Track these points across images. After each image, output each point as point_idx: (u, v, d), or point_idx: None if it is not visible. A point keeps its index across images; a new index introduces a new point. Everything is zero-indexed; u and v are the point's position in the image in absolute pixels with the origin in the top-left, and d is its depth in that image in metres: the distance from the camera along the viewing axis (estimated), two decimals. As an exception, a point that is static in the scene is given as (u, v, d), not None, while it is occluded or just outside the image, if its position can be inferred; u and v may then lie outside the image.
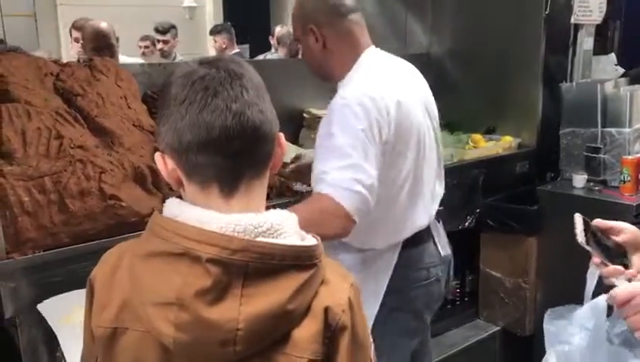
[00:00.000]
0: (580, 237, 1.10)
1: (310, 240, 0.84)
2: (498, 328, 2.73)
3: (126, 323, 0.82)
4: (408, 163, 1.52)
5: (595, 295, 1.14)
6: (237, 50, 4.76)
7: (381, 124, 1.43)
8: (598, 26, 2.92)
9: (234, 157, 0.80)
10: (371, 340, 0.90)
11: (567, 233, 1.54)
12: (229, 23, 5.01)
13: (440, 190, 1.70)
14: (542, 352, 2.46)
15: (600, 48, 3.10)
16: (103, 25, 2.88)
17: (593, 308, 1.09)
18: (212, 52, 4.97)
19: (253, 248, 0.76)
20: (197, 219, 0.79)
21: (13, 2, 5.19)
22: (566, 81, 2.73)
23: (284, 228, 0.81)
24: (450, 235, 2.49)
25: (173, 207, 0.83)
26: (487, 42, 2.97)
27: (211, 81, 0.79)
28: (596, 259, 1.11)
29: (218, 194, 0.82)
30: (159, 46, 4.53)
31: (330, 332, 0.81)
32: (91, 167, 1.53)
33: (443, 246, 1.69)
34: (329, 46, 1.55)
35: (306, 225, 0.88)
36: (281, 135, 0.88)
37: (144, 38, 4.70)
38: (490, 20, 2.95)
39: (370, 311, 1.52)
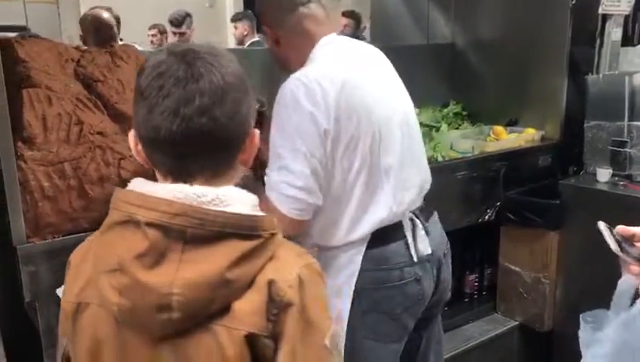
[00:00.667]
0: (614, 245, 1.04)
1: (260, 213, 0.83)
2: (516, 323, 2.69)
3: (88, 298, 0.84)
4: (360, 151, 1.41)
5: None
6: (256, 39, 4.75)
7: (320, 107, 1.35)
8: (626, 17, 2.84)
9: (182, 159, 0.81)
10: (331, 326, 0.85)
11: (589, 228, 1.51)
12: (249, 11, 4.99)
13: (417, 180, 1.55)
14: (562, 348, 2.44)
15: (627, 39, 3.02)
16: (105, 15, 2.69)
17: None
18: (232, 39, 4.96)
19: (193, 213, 0.76)
20: (145, 189, 0.81)
21: (36, -11, 5.23)
22: (592, 73, 2.67)
23: (230, 199, 0.80)
24: (469, 228, 2.49)
25: (133, 183, 0.85)
26: (512, 32, 2.92)
27: (167, 80, 0.78)
28: (634, 268, 1.04)
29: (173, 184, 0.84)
30: (176, 38, 4.53)
31: (276, 308, 0.79)
32: (110, 154, 1.53)
33: (422, 245, 1.54)
34: (282, 42, 1.53)
35: None
36: (256, 132, 0.87)
37: (152, 27, 4.70)
38: (515, 10, 2.89)
39: (342, 313, 1.48)
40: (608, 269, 1.14)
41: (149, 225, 0.76)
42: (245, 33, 4.71)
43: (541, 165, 2.72)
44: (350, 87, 1.39)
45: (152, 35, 4.59)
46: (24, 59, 1.57)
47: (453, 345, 2.51)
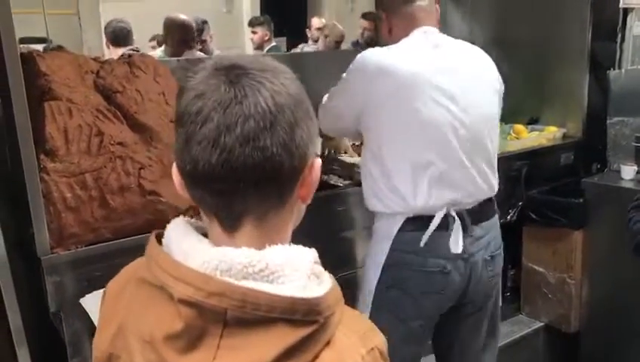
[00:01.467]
0: None
1: (315, 289, 0.67)
2: (542, 324, 2.66)
3: (118, 350, 0.74)
4: (407, 138, 1.59)
5: None
6: (274, 44, 4.76)
7: (384, 84, 1.56)
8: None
9: (225, 196, 0.68)
10: None
11: (614, 226, 1.49)
12: (267, 16, 5.01)
13: (467, 186, 1.63)
14: (589, 349, 2.40)
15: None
16: (184, 17, 3.22)
17: None
18: (249, 44, 4.96)
19: (232, 293, 0.63)
20: (183, 250, 0.69)
21: (57, 1, 5.33)
22: (614, 68, 2.62)
23: (286, 270, 0.66)
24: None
25: (171, 230, 0.73)
26: (531, 28, 2.88)
27: (207, 102, 0.65)
28: None
29: (220, 228, 0.71)
30: (197, 47, 4.56)
31: None
32: (131, 163, 1.55)
33: (454, 243, 1.61)
34: (394, 30, 1.69)
35: None
36: (317, 161, 0.73)
37: (152, 39, 4.71)
38: (534, 6, 2.85)
39: (371, 282, 1.68)
40: (635, 268, 1.12)
41: (183, 302, 0.64)
42: (266, 38, 4.71)
43: (563, 163, 2.68)
44: (411, 83, 1.56)
45: (152, 48, 4.58)
46: (45, 72, 1.60)
47: (478, 347, 2.48)
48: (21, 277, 1.51)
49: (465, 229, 1.62)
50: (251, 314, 0.63)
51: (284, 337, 0.63)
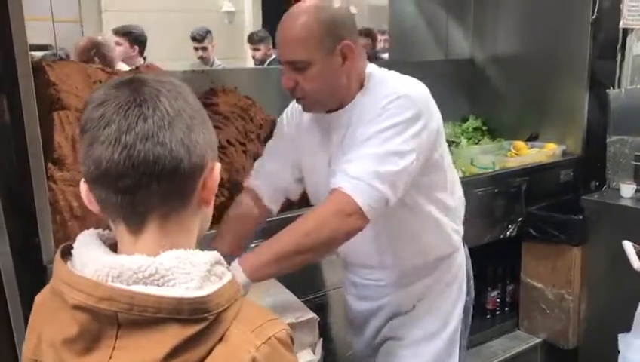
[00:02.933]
0: (637, 263, 1.06)
1: (210, 288, 0.70)
2: (540, 339, 2.66)
3: (39, 357, 0.77)
4: (447, 155, 1.51)
5: None
6: (274, 57, 4.80)
7: (435, 119, 1.39)
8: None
9: (129, 194, 0.70)
10: None
11: (613, 244, 1.50)
12: (265, 31, 5.04)
13: None
14: (587, 366, 2.36)
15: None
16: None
17: None
18: (250, 57, 4.99)
19: (120, 297, 0.67)
20: (81, 260, 0.73)
21: (60, 8, 5.36)
22: (614, 87, 2.65)
23: (175, 273, 0.69)
24: (491, 244, 2.48)
25: (77, 241, 0.76)
26: (531, 47, 2.91)
27: (108, 108, 0.70)
28: None
29: (126, 231, 0.74)
30: (198, 53, 4.58)
31: None
32: (138, 174, 1.56)
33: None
34: (355, 65, 1.38)
35: None
36: (217, 165, 0.77)
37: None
38: (535, 24, 2.89)
39: (457, 313, 1.57)
40: (633, 286, 1.14)
41: (76, 307, 0.69)
42: (269, 53, 4.73)
43: (563, 180, 2.70)
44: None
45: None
46: (54, 82, 1.62)
47: (477, 361, 2.49)
48: (27, 285, 1.51)
49: None
50: (140, 315, 0.67)
51: (173, 335, 0.67)
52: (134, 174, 0.69)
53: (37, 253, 1.46)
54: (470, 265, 1.66)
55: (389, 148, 1.28)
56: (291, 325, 1.33)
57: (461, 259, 1.60)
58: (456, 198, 1.55)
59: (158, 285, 0.69)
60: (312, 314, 1.39)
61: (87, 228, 1.48)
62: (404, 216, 1.42)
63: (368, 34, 4.99)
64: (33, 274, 1.52)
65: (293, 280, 1.62)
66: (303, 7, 1.37)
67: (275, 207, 1.61)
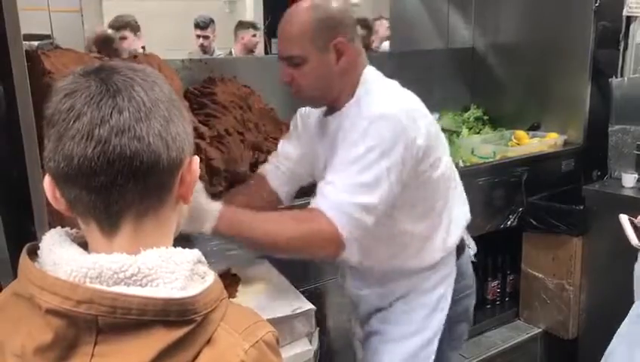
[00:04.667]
0: (634, 239, 1.05)
1: (194, 288, 0.65)
2: (540, 330, 2.66)
3: None
4: (444, 164, 1.45)
5: None
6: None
7: (421, 134, 1.33)
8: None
9: (103, 192, 0.65)
10: None
11: (614, 234, 1.49)
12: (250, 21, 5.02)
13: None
14: (587, 356, 2.41)
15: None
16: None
17: None
18: (233, 45, 4.95)
19: (101, 299, 0.61)
20: (52, 260, 0.66)
21: (60, -2, 5.32)
22: (616, 76, 2.63)
23: (159, 273, 0.65)
24: (491, 234, 2.47)
25: (44, 241, 0.70)
26: (533, 35, 2.89)
27: (78, 98, 0.64)
28: None
29: (98, 231, 0.68)
30: (200, 41, 4.56)
31: None
32: (134, 163, 1.55)
33: (472, 251, 1.66)
34: (350, 63, 1.38)
35: None
36: (195, 159, 0.72)
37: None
38: (536, 13, 2.86)
39: (436, 322, 1.52)
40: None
41: (51, 312, 0.62)
42: (253, 41, 4.69)
43: (564, 170, 2.69)
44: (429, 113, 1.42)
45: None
46: (50, 70, 1.60)
47: (477, 351, 2.49)
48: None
49: None
50: (123, 318, 0.62)
51: (159, 339, 0.63)
52: (110, 171, 0.63)
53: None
54: (469, 277, 1.62)
55: (367, 178, 1.28)
56: (289, 316, 1.33)
57: (447, 272, 1.54)
58: (449, 210, 1.49)
59: (141, 285, 0.64)
60: (309, 305, 1.39)
61: (83, 218, 1.48)
62: (381, 223, 1.36)
63: (364, 24, 4.94)
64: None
65: (293, 270, 1.62)
66: (302, 4, 1.38)
67: (284, 196, 1.65)
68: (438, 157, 1.41)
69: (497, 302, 2.77)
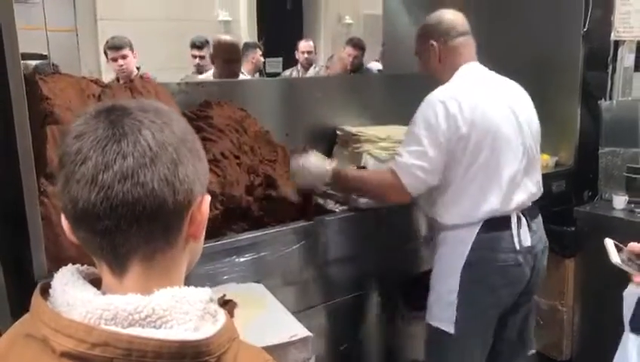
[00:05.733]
0: (615, 257, 1.07)
1: (209, 329, 0.66)
2: (533, 351, 2.66)
3: None
4: (483, 156, 1.78)
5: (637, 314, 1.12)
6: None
7: (457, 121, 1.75)
8: (638, 43, 2.85)
9: (108, 236, 0.66)
10: None
11: (606, 255, 1.51)
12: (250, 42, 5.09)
13: (530, 188, 1.91)
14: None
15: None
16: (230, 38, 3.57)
17: None
18: (243, 65, 4.99)
19: (117, 342, 0.61)
20: (66, 300, 0.66)
21: (56, 18, 5.36)
22: (605, 99, 2.67)
23: (173, 314, 0.65)
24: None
25: (56, 280, 0.70)
26: (523, 58, 2.91)
27: (85, 142, 0.64)
28: (637, 277, 1.07)
29: (109, 271, 0.69)
30: (196, 61, 4.59)
31: None
32: (130, 188, 1.56)
33: (524, 238, 1.87)
34: (442, 58, 1.93)
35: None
36: (206, 198, 0.72)
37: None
38: (526, 36, 2.90)
39: (451, 281, 1.85)
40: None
41: (66, 355, 0.62)
42: (255, 62, 4.74)
43: (555, 191, 2.71)
44: (481, 110, 1.78)
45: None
46: (47, 96, 1.61)
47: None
48: (17, 299, 1.50)
49: (528, 225, 1.88)
50: (138, 361, 0.62)
51: None
52: (113, 216, 0.64)
53: (28, 268, 1.46)
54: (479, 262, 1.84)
55: (418, 147, 1.78)
56: (286, 343, 1.34)
57: (459, 236, 1.86)
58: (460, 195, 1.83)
59: (155, 327, 0.64)
60: (306, 332, 1.40)
61: (78, 243, 1.49)
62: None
63: (357, 44, 5.02)
64: (24, 289, 1.51)
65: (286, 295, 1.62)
66: None
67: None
68: (474, 141, 1.76)
69: (491, 323, 2.77)
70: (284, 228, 1.91)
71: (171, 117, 0.70)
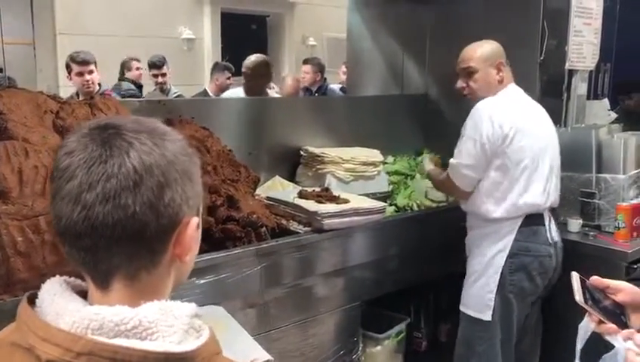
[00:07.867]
0: (578, 295, 1.11)
1: (192, 343, 0.67)
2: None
3: None
4: (527, 158, 2.15)
5: (588, 348, 1.15)
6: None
7: (503, 126, 2.11)
8: (590, 72, 2.97)
9: (90, 253, 0.67)
10: None
11: (563, 278, 1.54)
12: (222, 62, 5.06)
13: (554, 192, 2.27)
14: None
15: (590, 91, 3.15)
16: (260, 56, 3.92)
17: None
18: (208, 84, 4.97)
19: (102, 352, 0.62)
20: (54, 310, 0.67)
21: (13, 30, 5.23)
22: (560, 126, 2.76)
23: (159, 326, 0.66)
24: (445, 277, 2.51)
25: (44, 290, 0.70)
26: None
27: (74, 159, 0.66)
28: (594, 317, 1.11)
29: (93, 285, 0.71)
30: (157, 80, 4.54)
31: None
32: (87, 207, 1.52)
33: (554, 233, 2.26)
34: (504, 78, 2.29)
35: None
36: (193, 221, 0.71)
37: None
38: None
39: (491, 271, 2.19)
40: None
41: None
42: (229, 82, 4.71)
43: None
44: (519, 129, 2.14)
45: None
46: (2, 111, 1.56)
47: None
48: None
49: (554, 223, 2.26)
50: None
51: None
52: (94, 235, 0.65)
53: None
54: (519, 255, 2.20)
55: (465, 148, 2.20)
56: (246, 366, 1.31)
57: (504, 229, 2.21)
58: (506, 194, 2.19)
59: (140, 338, 0.65)
60: (267, 356, 1.38)
61: (32, 266, 1.43)
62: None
63: (313, 63, 5.08)
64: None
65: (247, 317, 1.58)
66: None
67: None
68: (517, 144, 2.13)
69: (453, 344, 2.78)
70: (245, 249, 1.88)
71: (165, 137, 0.70)
